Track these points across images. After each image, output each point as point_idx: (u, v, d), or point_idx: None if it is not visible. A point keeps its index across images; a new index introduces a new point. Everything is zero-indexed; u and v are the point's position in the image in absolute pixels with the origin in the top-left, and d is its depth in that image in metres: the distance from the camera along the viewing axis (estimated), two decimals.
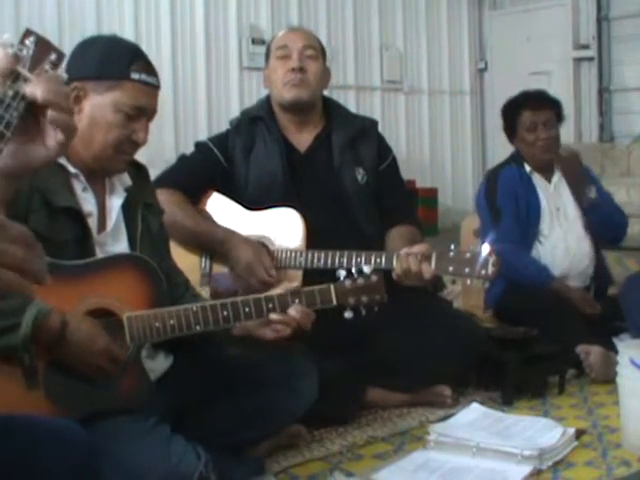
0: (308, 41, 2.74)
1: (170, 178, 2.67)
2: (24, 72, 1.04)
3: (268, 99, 2.81)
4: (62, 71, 1.11)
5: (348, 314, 2.04)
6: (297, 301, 1.98)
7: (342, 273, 2.05)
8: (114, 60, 1.85)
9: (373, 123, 2.89)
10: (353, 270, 2.06)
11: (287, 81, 2.68)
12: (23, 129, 1.04)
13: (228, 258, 2.57)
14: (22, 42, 1.04)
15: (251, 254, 2.52)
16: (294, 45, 2.71)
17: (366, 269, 2.07)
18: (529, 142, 3.37)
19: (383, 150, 2.84)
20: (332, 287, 2.03)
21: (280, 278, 2.52)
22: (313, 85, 2.70)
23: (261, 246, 2.57)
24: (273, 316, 1.95)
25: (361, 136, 2.79)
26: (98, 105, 1.84)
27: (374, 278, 2.06)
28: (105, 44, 1.92)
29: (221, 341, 2.01)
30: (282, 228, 2.60)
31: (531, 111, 3.36)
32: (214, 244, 2.59)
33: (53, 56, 1.06)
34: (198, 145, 2.81)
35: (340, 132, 2.76)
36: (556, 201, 3.39)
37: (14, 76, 1.03)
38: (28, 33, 1.05)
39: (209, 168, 2.71)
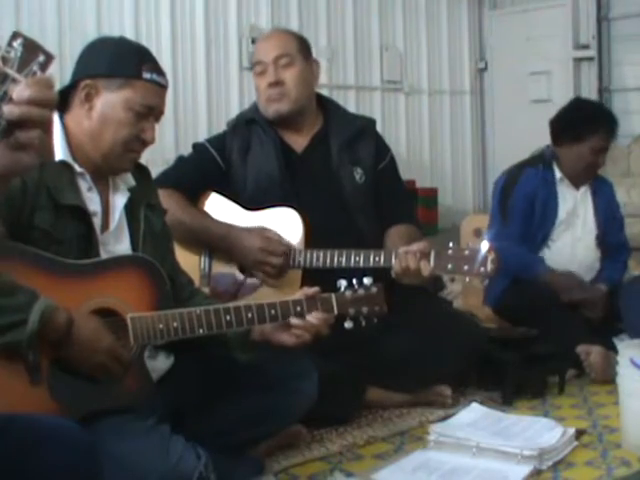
0: (280, 49, 2.69)
1: (168, 179, 2.67)
2: (12, 73, 1.03)
3: None
4: (52, 73, 1.10)
5: (348, 324, 2.05)
6: (299, 309, 1.98)
7: (343, 283, 2.06)
8: (126, 59, 1.87)
9: (371, 122, 2.88)
10: (354, 281, 2.07)
11: (267, 97, 2.69)
12: (10, 132, 1.03)
13: (234, 251, 2.56)
14: (10, 44, 1.03)
15: (258, 239, 2.53)
16: (267, 58, 2.68)
17: (366, 280, 2.07)
18: (588, 162, 3.29)
19: (381, 149, 2.83)
20: (334, 297, 2.04)
21: (281, 277, 2.52)
22: (293, 94, 2.68)
23: (261, 227, 2.57)
24: (294, 321, 1.96)
25: (359, 136, 2.78)
26: (109, 102, 1.85)
27: (374, 289, 2.07)
28: (116, 43, 1.95)
29: (234, 346, 2.01)
30: (281, 228, 2.59)
31: (607, 136, 3.31)
32: (215, 240, 2.59)
33: (41, 58, 1.05)
34: (195, 146, 2.81)
35: (338, 132, 2.75)
36: (578, 209, 3.35)
37: (2, 78, 1.02)
38: (16, 35, 1.04)
39: (207, 169, 2.71)
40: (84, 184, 1.87)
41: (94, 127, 1.86)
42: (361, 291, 2.06)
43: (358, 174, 2.73)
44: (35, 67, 1.04)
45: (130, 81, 1.85)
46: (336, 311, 2.03)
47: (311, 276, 2.44)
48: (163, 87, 1.93)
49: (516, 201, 3.29)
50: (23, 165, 1.05)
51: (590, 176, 3.37)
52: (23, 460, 1.29)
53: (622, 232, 3.49)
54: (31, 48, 1.04)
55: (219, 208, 2.69)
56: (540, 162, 3.37)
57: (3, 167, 1.05)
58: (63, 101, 1.87)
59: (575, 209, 3.35)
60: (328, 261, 2.47)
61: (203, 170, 2.72)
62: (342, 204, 2.70)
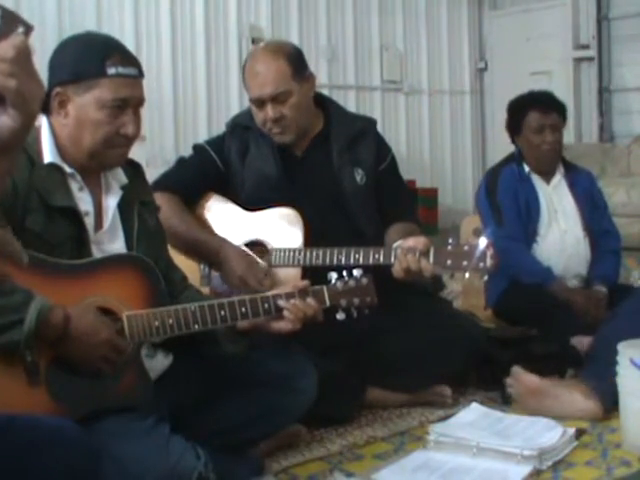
0: (276, 85, 2.59)
1: (168, 181, 2.67)
2: None
3: None
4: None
5: (340, 316, 2.06)
6: (293, 301, 1.99)
7: (333, 275, 2.07)
8: (88, 59, 1.84)
9: (371, 123, 2.86)
10: (344, 273, 2.08)
11: (268, 129, 2.64)
12: None
13: (221, 269, 2.57)
14: None
15: (243, 267, 2.52)
16: (263, 94, 2.61)
17: (356, 272, 2.09)
18: (535, 144, 3.35)
19: (382, 150, 2.81)
20: (325, 289, 2.05)
21: (276, 282, 2.52)
22: (295, 124, 2.63)
23: (253, 258, 2.57)
24: (282, 303, 1.97)
25: (360, 137, 2.76)
26: (81, 106, 1.84)
27: (365, 281, 2.08)
28: (78, 44, 1.90)
29: (222, 337, 2.01)
30: (281, 227, 2.60)
31: (539, 113, 3.34)
32: (208, 253, 2.58)
33: (21, 29, 1.02)
34: (195, 148, 2.80)
35: (338, 133, 2.73)
36: (554, 202, 3.39)
37: None
38: None
39: (207, 171, 2.71)
40: (75, 184, 1.87)
41: (72, 132, 1.86)
42: (352, 282, 2.07)
43: (359, 175, 2.72)
44: None
45: (96, 81, 1.83)
46: (328, 303, 2.04)
47: (310, 275, 2.43)
48: (133, 77, 1.87)
49: (503, 198, 3.34)
50: (6, 129, 1.02)
51: (549, 159, 3.39)
52: (23, 460, 1.29)
53: (605, 218, 3.50)
54: (10, 19, 1.02)
55: (220, 209, 2.69)
56: (512, 160, 3.45)
57: None
58: (47, 105, 1.86)
59: (551, 203, 3.38)
60: (328, 260, 2.47)
61: (203, 172, 2.71)
62: (343, 205, 2.69)
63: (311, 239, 2.56)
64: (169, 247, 2.48)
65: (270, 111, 2.61)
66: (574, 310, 3.13)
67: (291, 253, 2.54)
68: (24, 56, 1.02)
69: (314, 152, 2.73)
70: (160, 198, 2.43)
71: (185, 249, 2.59)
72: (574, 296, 3.19)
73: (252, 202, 2.65)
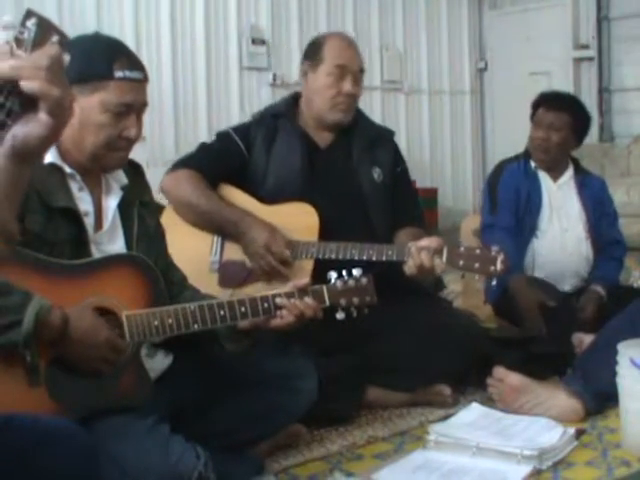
0: (361, 62, 2.79)
1: (190, 161, 2.71)
2: (23, 56, 1.00)
3: (293, 99, 2.85)
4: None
5: (340, 315, 2.07)
6: (293, 300, 1.99)
7: (333, 275, 2.08)
8: (96, 60, 1.83)
9: (391, 133, 2.99)
10: (344, 272, 2.08)
11: (336, 103, 2.71)
12: (24, 114, 1.01)
13: (242, 239, 2.59)
14: (23, 24, 1.00)
15: (267, 234, 2.55)
16: (351, 66, 2.71)
17: (355, 272, 2.09)
18: (531, 137, 3.42)
19: (399, 157, 2.92)
20: (325, 288, 2.05)
21: (292, 267, 2.54)
22: (354, 108, 2.78)
23: (275, 226, 2.60)
24: (279, 300, 1.97)
25: (379, 140, 2.86)
26: (85, 107, 1.83)
27: (364, 280, 2.09)
28: (86, 45, 1.89)
29: (223, 337, 2.01)
30: (296, 221, 2.61)
31: (544, 109, 3.39)
32: (227, 225, 2.61)
33: (55, 38, 1.02)
34: (219, 134, 2.83)
35: (361, 134, 2.82)
36: (558, 200, 3.40)
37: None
38: (29, 15, 1.01)
39: (229, 156, 2.73)
40: (75, 185, 1.87)
41: (75, 133, 1.85)
42: (351, 282, 2.08)
43: (376, 173, 2.80)
44: None
45: (102, 83, 1.82)
46: (328, 302, 2.05)
47: (322, 268, 2.44)
48: (139, 81, 1.87)
49: (502, 193, 3.38)
50: (36, 136, 1.02)
51: (537, 156, 3.41)
52: (22, 460, 1.29)
53: (615, 228, 3.51)
54: (45, 28, 1.01)
55: (236, 202, 2.69)
56: (522, 157, 3.47)
57: (18, 143, 1.02)
58: None
59: (554, 200, 3.39)
60: (341, 254, 2.49)
61: (225, 156, 2.73)
62: (359, 200, 2.75)
63: (325, 232, 2.58)
64: (188, 224, 2.54)
65: (352, 85, 2.71)
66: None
67: (305, 245, 2.56)
68: (58, 65, 1.02)
69: (337, 147, 2.81)
70: (181, 174, 2.44)
71: (203, 222, 2.63)
72: (521, 292, 3.16)
73: (272, 192, 2.68)
